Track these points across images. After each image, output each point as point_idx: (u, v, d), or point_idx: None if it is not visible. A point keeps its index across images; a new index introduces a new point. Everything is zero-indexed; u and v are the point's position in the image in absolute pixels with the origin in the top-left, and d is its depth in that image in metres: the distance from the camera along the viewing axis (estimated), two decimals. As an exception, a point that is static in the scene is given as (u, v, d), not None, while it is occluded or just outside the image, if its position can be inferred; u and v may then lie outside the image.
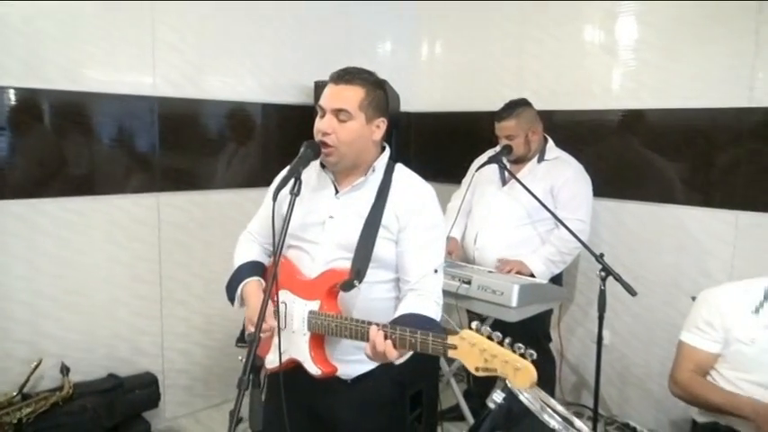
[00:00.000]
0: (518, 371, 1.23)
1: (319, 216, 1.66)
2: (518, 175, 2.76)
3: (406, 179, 1.70)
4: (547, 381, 2.92)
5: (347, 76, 1.61)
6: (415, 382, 2.31)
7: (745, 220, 2.71)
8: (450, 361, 3.06)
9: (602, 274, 2.45)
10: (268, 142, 3.34)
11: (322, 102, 1.62)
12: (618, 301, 2.92)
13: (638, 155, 3.02)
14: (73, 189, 2.71)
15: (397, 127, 3.38)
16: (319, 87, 1.68)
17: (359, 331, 1.49)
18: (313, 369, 1.60)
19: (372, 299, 1.65)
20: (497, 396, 1.70)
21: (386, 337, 1.43)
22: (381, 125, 1.66)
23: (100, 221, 2.80)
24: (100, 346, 2.86)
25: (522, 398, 1.65)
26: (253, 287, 1.72)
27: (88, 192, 2.76)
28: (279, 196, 1.50)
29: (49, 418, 2.49)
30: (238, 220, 1.97)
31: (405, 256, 1.63)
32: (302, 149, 1.57)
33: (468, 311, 2.72)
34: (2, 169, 2.53)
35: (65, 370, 2.65)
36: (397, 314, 1.55)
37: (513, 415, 1.65)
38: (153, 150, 2.93)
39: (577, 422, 1.67)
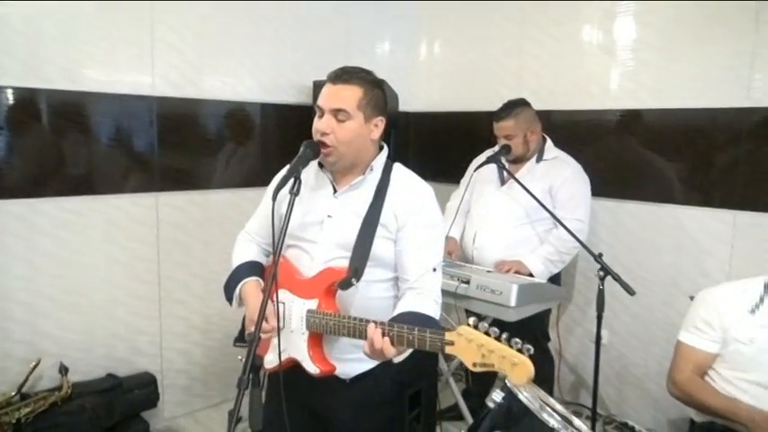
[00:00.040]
0: (515, 366, 1.23)
1: (318, 215, 1.67)
2: (517, 175, 2.77)
3: (404, 178, 1.70)
4: (545, 380, 2.93)
5: (345, 75, 1.62)
6: (414, 382, 2.31)
7: (743, 219, 2.72)
8: (449, 360, 3.07)
9: (601, 273, 2.46)
10: (267, 142, 3.34)
11: (320, 102, 1.63)
12: (616, 301, 2.92)
13: (637, 155, 3.03)
14: (72, 189, 2.71)
15: (395, 127, 3.38)
16: (318, 87, 1.68)
17: (357, 329, 1.49)
18: (311, 368, 1.61)
19: (370, 297, 1.65)
20: (497, 395, 1.70)
21: (384, 335, 1.43)
22: (380, 124, 1.66)
23: (98, 221, 2.80)
24: (98, 345, 2.85)
25: (521, 397, 1.65)
26: (251, 287, 1.72)
27: (87, 191, 2.75)
28: (278, 196, 1.51)
29: (48, 417, 2.49)
30: (237, 220, 1.97)
31: (403, 255, 1.63)
32: (302, 149, 1.58)
33: (467, 311, 2.72)
34: (0, 169, 2.53)
35: (63, 370, 2.64)
36: (396, 312, 1.55)
37: (513, 414, 1.65)
38: (152, 150, 2.93)
39: (576, 421, 1.67)
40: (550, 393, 2.83)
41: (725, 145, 2.75)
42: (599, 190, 2.95)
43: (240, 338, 1.87)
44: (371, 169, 1.67)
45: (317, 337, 1.63)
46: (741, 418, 1.94)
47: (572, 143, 3.01)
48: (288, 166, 1.55)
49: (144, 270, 2.97)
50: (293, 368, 1.63)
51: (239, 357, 1.71)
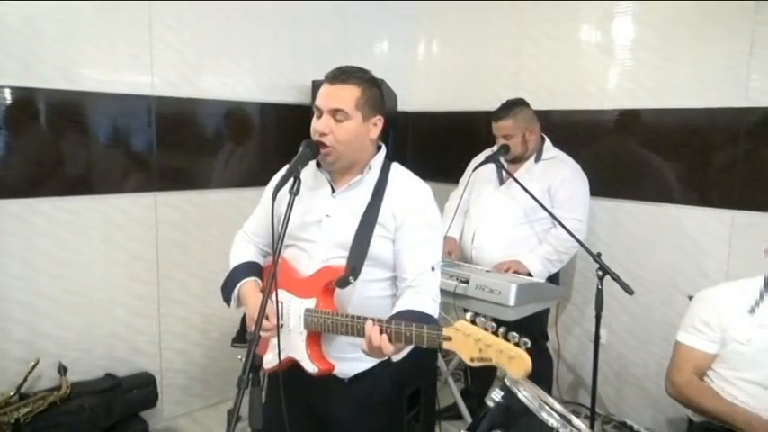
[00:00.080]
0: (512, 359, 1.24)
1: (316, 215, 1.67)
2: (515, 175, 2.77)
3: (402, 178, 1.71)
4: (544, 380, 2.93)
5: (342, 75, 1.62)
6: (413, 381, 2.32)
7: (741, 219, 2.73)
8: (448, 360, 3.07)
9: (600, 273, 2.46)
10: (266, 142, 3.34)
11: (318, 102, 1.63)
12: (615, 300, 2.93)
13: (635, 154, 3.03)
14: (70, 189, 2.71)
15: (394, 127, 3.38)
16: (317, 87, 1.68)
17: (355, 327, 1.50)
18: (310, 367, 1.61)
19: (368, 297, 1.65)
20: (496, 394, 1.71)
21: (381, 332, 1.43)
22: (378, 123, 1.67)
23: (97, 221, 2.80)
24: (97, 345, 2.85)
25: (520, 396, 1.65)
26: (250, 287, 1.72)
27: (85, 191, 2.75)
28: (277, 196, 1.51)
29: (47, 417, 2.49)
30: (236, 220, 1.97)
31: (402, 254, 1.64)
32: (301, 149, 1.58)
33: (466, 311, 2.72)
34: (-1, 169, 2.53)
35: (62, 370, 2.64)
36: (395, 311, 1.55)
37: (512, 413, 1.65)
38: (150, 150, 2.93)
39: (575, 420, 1.67)
40: (549, 393, 2.83)
41: (723, 145, 2.76)
42: (597, 190, 2.96)
43: (238, 339, 1.88)
44: (370, 168, 1.67)
45: (316, 336, 1.63)
46: (738, 423, 1.95)
47: (570, 143, 3.01)
48: (287, 166, 1.55)
49: (143, 270, 2.97)
50: (292, 368, 1.63)
51: (239, 357, 1.72)
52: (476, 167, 2.90)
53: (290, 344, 1.64)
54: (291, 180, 1.51)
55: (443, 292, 2.35)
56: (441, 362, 2.91)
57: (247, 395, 1.28)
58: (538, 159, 2.86)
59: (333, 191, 1.68)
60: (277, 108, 3.34)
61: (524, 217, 2.80)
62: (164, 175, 2.98)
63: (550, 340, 3.14)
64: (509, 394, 1.68)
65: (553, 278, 2.84)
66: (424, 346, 1.42)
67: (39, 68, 2.56)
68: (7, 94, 2.51)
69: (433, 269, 1.64)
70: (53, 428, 2.49)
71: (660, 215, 2.98)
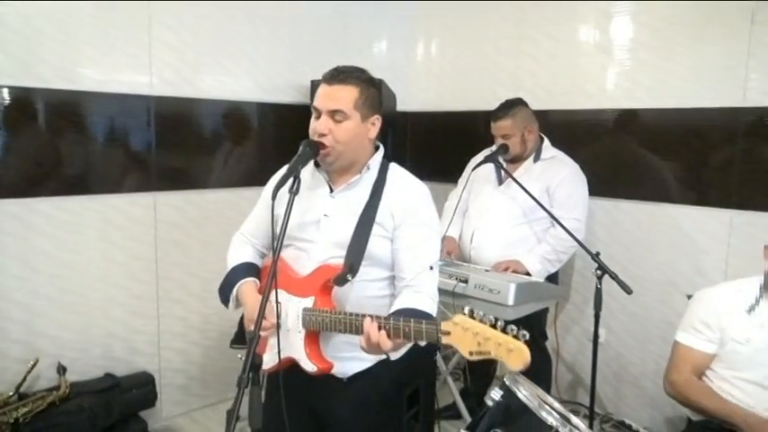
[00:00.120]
0: (511, 352, 1.24)
1: (314, 215, 1.67)
2: (514, 175, 2.77)
3: (400, 178, 1.71)
4: (543, 379, 2.94)
5: (341, 75, 1.62)
6: (412, 381, 2.32)
7: (739, 218, 2.73)
8: (447, 359, 3.08)
9: (598, 272, 2.46)
10: (264, 142, 3.34)
11: (316, 103, 1.63)
12: (613, 300, 2.93)
13: (634, 154, 3.04)
14: (68, 188, 2.71)
15: (393, 127, 3.39)
16: (316, 87, 1.68)
17: (353, 324, 1.50)
18: (309, 366, 1.61)
19: (366, 296, 1.65)
20: (495, 393, 1.71)
21: (380, 328, 1.43)
22: (376, 123, 1.67)
23: (96, 221, 2.80)
24: (96, 345, 2.85)
25: (519, 395, 1.66)
26: (249, 288, 1.72)
27: (84, 191, 2.75)
28: (276, 195, 1.51)
29: (46, 417, 2.49)
30: (235, 220, 1.97)
31: (400, 253, 1.64)
32: (301, 148, 1.58)
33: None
34: (-3, 168, 2.53)
35: (61, 369, 2.64)
36: (393, 309, 1.56)
37: (511, 412, 1.66)
38: (149, 149, 2.93)
39: (574, 419, 1.68)
40: (548, 392, 2.84)
41: (721, 144, 2.77)
42: (596, 189, 2.96)
43: (237, 340, 1.87)
44: (368, 168, 1.67)
45: (314, 336, 1.63)
46: (737, 421, 1.96)
47: (569, 143, 3.02)
48: (286, 166, 1.55)
49: (141, 269, 2.96)
50: (291, 368, 1.63)
51: (239, 356, 1.72)
52: (475, 167, 2.90)
53: (288, 343, 1.64)
54: (291, 179, 1.51)
55: (443, 291, 2.36)
56: (440, 361, 2.91)
57: (247, 395, 1.28)
58: (537, 159, 2.87)
59: (331, 190, 1.68)
60: (276, 108, 3.34)
61: (523, 217, 2.81)
62: (162, 174, 2.98)
63: (549, 340, 3.15)
64: (508, 393, 1.68)
65: (552, 278, 2.84)
66: (423, 342, 1.43)
67: (37, 68, 2.56)
68: (6, 93, 2.51)
69: (431, 268, 1.64)
70: (52, 428, 2.49)
71: (659, 215, 2.98)
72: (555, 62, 3.29)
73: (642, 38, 2.98)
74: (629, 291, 2.39)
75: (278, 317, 1.56)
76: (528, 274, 2.69)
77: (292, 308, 1.63)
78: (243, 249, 1.85)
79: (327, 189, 1.68)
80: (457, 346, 1.32)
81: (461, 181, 3.04)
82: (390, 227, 1.63)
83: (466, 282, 2.49)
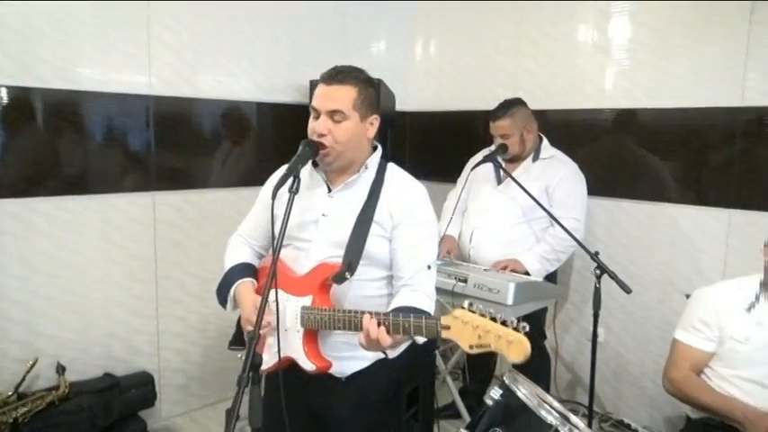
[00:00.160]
0: (511, 344, 1.24)
1: (313, 214, 1.67)
2: (513, 174, 2.77)
3: (398, 178, 1.71)
4: (542, 378, 2.94)
5: (339, 75, 1.62)
6: (411, 380, 2.32)
7: (737, 218, 2.74)
8: (446, 359, 3.08)
9: (597, 271, 2.47)
10: (263, 141, 3.34)
11: (315, 103, 1.62)
12: (612, 299, 2.94)
13: (632, 154, 3.04)
14: (68, 188, 2.71)
15: (392, 126, 3.39)
16: (315, 87, 1.68)
17: (352, 321, 1.50)
18: (307, 365, 1.61)
19: (364, 296, 1.66)
20: (495, 392, 1.71)
21: (379, 324, 1.44)
22: (375, 122, 1.67)
23: (95, 220, 2.79)
24: (95, 345, 2.85)
25: (519, 394, 1.66)
26: (246, 288, 1.72)
27: (83, 191, 2.75)
28: (276, 195, 1.51)
29: (46, 417, 2.49)
30: (234, 219, 1.97)
31: (398, 252, 1.64)
32: (301, 148, 1.58)
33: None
34: (-4, 168, 2.53)
35: (60, 369, 2.64)
36: (391, 308, 1.56)
37: (511, 411, 1.66)
38: (148, 149, 2.93)
39: (574, 418, 1.68)
40: (547, 392, 2.85)
41: (719, 144, 2.77)
42: (595, 189, 2.97)
43: (235, 341, 1.86)
44: (366, 168, 1.68)
45: (312, 334, 1.63)
46: (736, 417, 1.96)
47: (568, 142, 3.02)
48: (284, 166, 1.55)
49: (141, 269, 2.96)
50: (290, 368, 1.63)
51: (239, 356, 1.72)
52: (474, 167, 2.90)
53: (286, 343, 1.64)
54: (291, 179, 1.51)
55: (442, 291, 2.37)
56: (439, 361, 2.92)
57: (247, 394, 1.28)
58: (535, 159, 2.87)
59: (329, 190, 1.68)
60: (275, 107, 3.34)
61: (522, 216, 2.81)
62: (162, 174, 2.98)
63: (548, 339, 3.15)
64: (508, 392, 1.69)
65: (551, 277, 2.85)
66: (423, 337, 1.43)
67: (36, 68, 2.56)
68: (4, 93, 2.51)
69: (429, 268, 1.65)
70: (52, 428, 2.49)
71: (657, 214, 2.99)
72: (554, 62, 3.29)
73: (641, 38, 2.98)
74: (627, 290, 2.39)
75: (278, 317, 1.56)
76: (527, 273, 2.69)
77: (290, 307, 1.63)
78: (240, 250, 1.85)
79: (325, 189, 1.69)
80: (457, 339, 1.32)
81: (460, 180, 3.05)
82: (389, 226, 1.64)
83: (465, 281, 2.49)
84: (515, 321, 1.25)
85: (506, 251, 2.78)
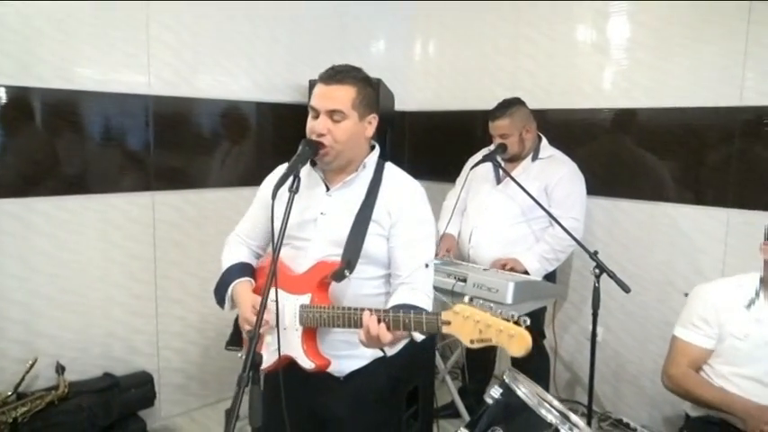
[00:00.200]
0: (512, 338, 1.24)
1: (311, 213, 1.68)
2: (512, 174, 2.78)
3: (397, 177, 1.72)
4: (541, 377, 2.94)
5: (338, 75, 1.62)
6: (410, 378, 2.33)
7: (736, 217, 2.74)
8: (446, 358, 3.08)
9: (597, 271, 2.47)
10: (262, 141, 3.34)
11: (314, 103, 1.63)
12: (611, 299, 2.94)
13: (631, 153, 3.05)
14: (67, 188, 2.71)
15: (391, 126, 3.39)
16: (314, 86, 1.68)
17: (351, 318, 1.50)
18: (306, 363, 1.61)
19: (362, 294, 1.66)
20: (494, 391, 1.72)
21: (379, 321, 1.44)
22: (373, 121, 1.68)
23: (94, 220, 2.79)
24: (95, 345, 2.85)
25: (519, 393, 1.67)
26: (243, 287, 1.73)
27: (82, 190, 2.75)
28: (276, 195, 1.51)
29: (45, 417, 2.48)
30: (233, 219, 1.97)
31: (396, 251, 1.65)
32: (300, 147, 1.58)
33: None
34: (-4, 168, 2.53)
35: (60, 369, 2.64)
36: (389, 306, 1.56)
37: (511, 410, 1.66)
38: (147, 149, 2.93)
39: (573, 417, 1.68)
40: (546, 390, 2.85)
41: (718, 144, 2.78)
42: (594, 188, 2.97)
43: (232, 341, 1.86)
44: (364, 167, 1.68)
45: (311, 333, 1.64)
46: (736, 411, 1.96)
47: (567, 142, 3.03)
48: (281, 166, 1.55)
49: (140, 269, 2.96)
50: (288, 367, 1.63)
51: (239, 355, 1.72)
52: (473, 166, 2.91)
53: (285, 342, 1.64)
54: (291, 178, 1.51)
55: (441, 290, 2.37)
56: (438, 360, 2.92)
57: (246, 393, 1.28)
58: (535, 158, 2.88)
59: (327, 189, 1.69)
60: (274, 107, 3.34)
61: (521, 216, 2.81)
62: (161, 174, 2.98)
63: (547, 338, 3.16)
64: (508, 391, 1.69)
65: (550, 276, 2.85)
66: (422, 336, 1.43)
67: (36, 68, 2.56)
68: (4, 93, 2.51)
69: (426, 266, 1.65)
70: (51, 428, 2.49)
71: (656, 214, 2.99)
72: (553, 62, 3.30)
73: (639, 37, 2.99)
74: (627, 289, 2.40)
75: (278, 317, 1.56)
76: (526, 272, 2.70)
77: (289, 305, 1.63)
78: (238, 250, 1.85)
79: (324, 188, 1.69)
80: (458, 335, 1.32)
81: (460, 180, 3.05)
82: (387, 225, 1.64)
83: (464, 280, 2.49)
84: (516, 315, 1.25)
85: (506, 251, 2.78)
